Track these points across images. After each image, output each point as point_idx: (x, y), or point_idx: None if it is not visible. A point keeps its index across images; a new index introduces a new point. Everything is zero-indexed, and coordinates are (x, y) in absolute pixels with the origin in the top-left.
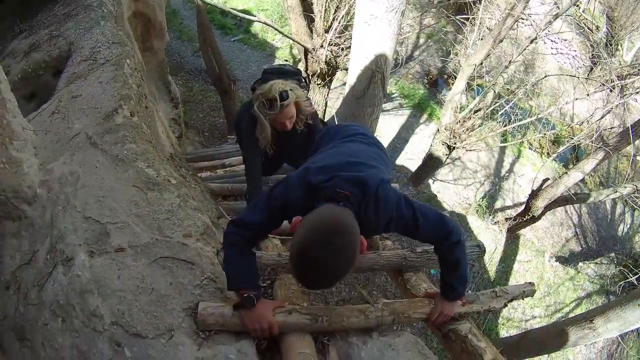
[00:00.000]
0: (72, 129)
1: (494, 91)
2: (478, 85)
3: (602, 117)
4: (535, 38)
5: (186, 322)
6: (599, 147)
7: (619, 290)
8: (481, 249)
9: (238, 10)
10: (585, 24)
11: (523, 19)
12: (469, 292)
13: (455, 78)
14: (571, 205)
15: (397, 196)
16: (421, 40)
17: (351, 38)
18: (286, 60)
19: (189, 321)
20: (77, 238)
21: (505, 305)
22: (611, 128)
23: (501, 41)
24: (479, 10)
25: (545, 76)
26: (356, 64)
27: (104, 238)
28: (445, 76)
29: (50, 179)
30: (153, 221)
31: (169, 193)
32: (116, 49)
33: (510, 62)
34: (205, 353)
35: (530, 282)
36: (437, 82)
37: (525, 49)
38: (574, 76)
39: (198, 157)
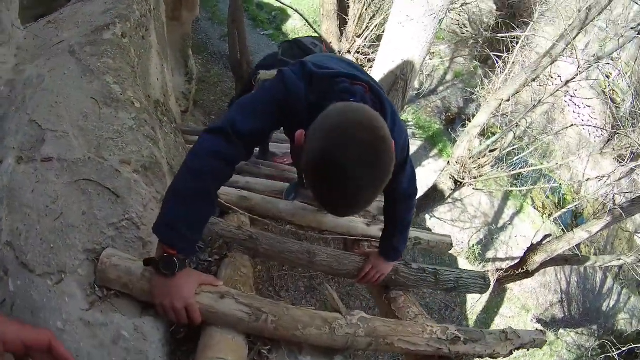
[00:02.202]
0: (60, 37)
1: (514, 133)
2: (493, 132)
3: (619, 178)
4: (573, 78)
5: (84, 268)
6: (613, 209)
7: None
8: (486, 282)
9: (274, 7)
10: (611, 95)
11: (563, 60)
12: (475, 329)
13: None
14: (562, 271)
15: (405, 128)
16: (448, 77)
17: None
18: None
19: (88, 268)
20: (14, 141)
21: (511, 353)
22: (625, 193)
23: (534, 80)
24: (515, 47)
25: (572, 125)
26: (381, 66)
27: (38, 145)
28: (465, 117)
29: (18, 79)
30: (95, 138)
31: (125, 113)
32: None
33: (539, 101)
34: (94, 317)
35: (541, 330)
36: (455, 121)
37: (558, 90)
38: (600, 127)
39: (194, 131)
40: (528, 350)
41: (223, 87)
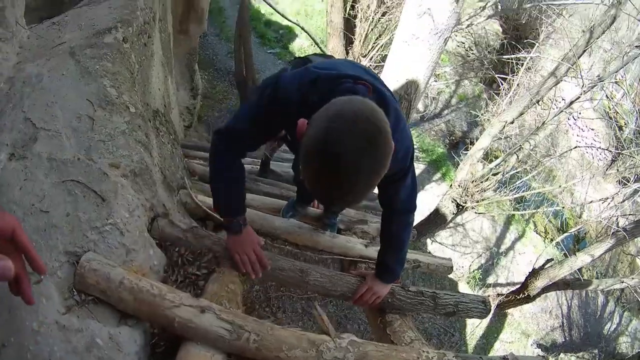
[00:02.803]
0: (62, 38)
1: (517, 156)
2: (496, 156)
3: (623, 200)
4: (578, 98)
5: (64, 270)
6: (615, 231)
7: None
8: (486, 306)
9: (282, 26)
10: (615, 118)
11: (568, 81)
12: (474, 355)
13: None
14: (563, 295)
15: (411, 135)
16: (453, 100)
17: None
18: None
19: (68, 271)
20: (9, 137)
21: None
22: (628, 215)
23: (538, 102)
24: (520, 69)
25: (575, 147)
26: None
27: (31, 143)
28: (468, 141)
29: (18, 77)
30: (86, 139)
31: (119, 117)
32: None
33: (543, 123)
34: (70, 322)
35: (543, 356)
36: (459, 145)
37: (562, 111)
38: (604, 149)
39: (196, 146)
40: None
41: (228, 104)
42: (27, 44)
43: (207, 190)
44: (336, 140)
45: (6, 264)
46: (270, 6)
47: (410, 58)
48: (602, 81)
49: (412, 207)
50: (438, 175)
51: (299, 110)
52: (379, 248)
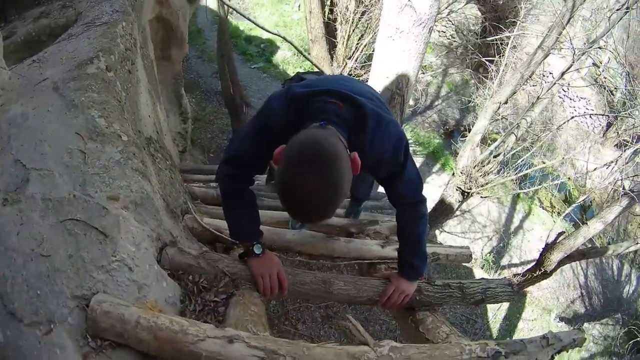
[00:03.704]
0: (44, 75)
1: (516, 135)
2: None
3: (625, 162)
4: (569, 68)
5: (74, 316)
6: (624, 193)
7: (626, 352)
8: (513, 288)
9: (262, 40)
10: (604, 83)
11: (554, 54)
12: (515, 340)
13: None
14: (578, 266)
15: (398, 132)
16: (442, 91)
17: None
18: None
19: (79, 316)
20: (0, 183)
21: (552, 358)
22: (634, 176)
23: (530, 77)
24: (505, 49)
25: (572, 117)
26: (375, 83)
27: (23, 185)
28: (462, 128)
29: (3, 119)
30: (80, 174)
31: (111, 147)
32: (117, 16)
33: (538, 97)
34: None
35: (580, 329)
36: (454, 133)
37: (555, 83)
38: (600, 114)
39: (194, 169)
40: (568, 351)
41: (219, 124)
42: (9, 85)
43: (211, 212)
44: (289, 176)
45: None
46: (251, 21)
47: (397, 52)
48: (593, 45)
49: (419, 199)
50: (437, 166)
51: (284, 128)
52: (395, 246)
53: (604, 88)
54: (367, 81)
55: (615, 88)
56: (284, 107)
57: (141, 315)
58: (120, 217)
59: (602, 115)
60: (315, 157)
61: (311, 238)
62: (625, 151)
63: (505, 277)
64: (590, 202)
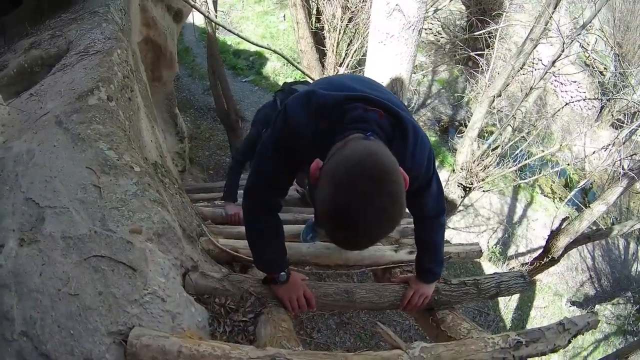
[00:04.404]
0: (44, 109)
1: (512, 127)
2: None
3: (623, 142)
4: (560, 55)
5: (112, 352)
6: (624, 173)
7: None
8: (525, 279)
9: (251, 53)
10: (593, 65)
11: (542, 42)
12: (534, 329)
13: (467, 124)
14: (585, 249)
15: (429, 143)
16: (433, 88)
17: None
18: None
19: (117, 353)
20: (13, 222)
21: (569, 342)
22: (632, 155)
23: (521, 68)
24: (493, 42)
25: (566, 104)
26: None
27: (39, 224)
28: (457, 123)
29: (7, 156)
30: (97, 209)
31: (125, 179)
32: (110, 43)
33: (531, 88)
34: None
35: (593, 311)
36: (449, 129)
37: (547, 72)
38: (593, 99)
39: (196, 189)
40: (583, 334)
41: (216, 141)
42: (9, 121)
43: (223, 232)
44: (351, 208)
45: None
46: (239, 36)
47: (389, 57)
48: (580, 32)
49: (442, 210)
50: (436, 163)
51: (313, 140)
52: (407, 250)
53: (594, 69)
54: None
55: (605, 68)
56: (307, 115)
57: (182, 345)
58: (147, 250)
59: (595, 99)
60: (375, 173)
61: (326, 249)
62: (620, 132)
63: (517, 269)
64: (591, 184)
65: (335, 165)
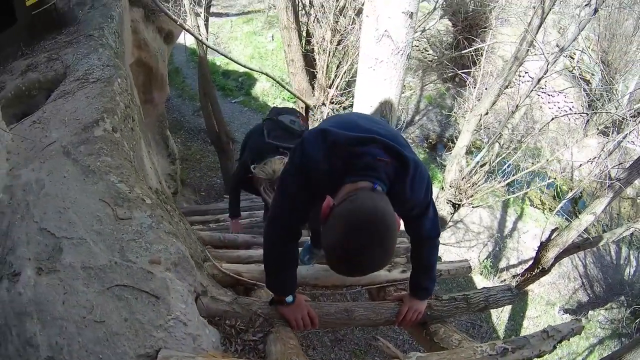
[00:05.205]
0: (49, 137)
1: (499, 143)
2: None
3: (609, 154)
4: (544, 75)
5: None
6: (610, 184)
7: (634, 330)
8: (512, 292)
9: (240, 73)
10: (580, 75)
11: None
12: (519, 337)
13: (455, 141)
14: (577, 256)
15: (427, 172)
16: (421, 105)
17: (353, 96)
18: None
19: None
20: (28, 251)
21: (555, 348)
22: (618, 165)
23: (507, 87)
24: (480, 59)
25: (553, 118)
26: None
27: (56, 254)
28: (445, 140)
29: (16, 184)
30: (115, 241)
31: (140, 212)
32: (109, 71)
33: (517, 106)
34: None
35: (577, 319)
36: (437, 146)
37: (532, 90)
38: (580, 113)
39: (190, 211)
40: (569, 340)
41: (207, 162)
42: (14, 148)
43: (224, 256)
44: (360, 250)
45: None
46: (230, 59)
47: (378, 82)
48: (564, 51)
49: (437, 233)
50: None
51: (328, 175)
52: (400, 269)
53: (581, 77)
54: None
55: (592, 75)
56: (324, 153)
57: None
58: (167, 279)
59: (581, 114)
60: (380, 228)
61: (324, 271)
62: (607, 144)
63: (504, 283)
64: (581, 193)
65: (347, 213)
